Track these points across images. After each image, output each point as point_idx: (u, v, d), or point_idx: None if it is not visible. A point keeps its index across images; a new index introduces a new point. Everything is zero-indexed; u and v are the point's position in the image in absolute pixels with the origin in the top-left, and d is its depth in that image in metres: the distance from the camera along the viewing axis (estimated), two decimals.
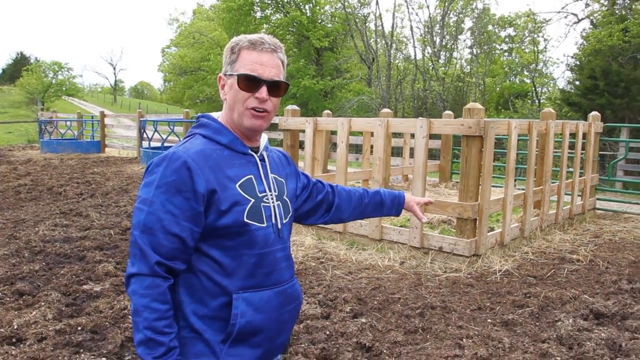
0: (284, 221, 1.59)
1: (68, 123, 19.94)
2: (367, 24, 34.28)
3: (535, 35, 29.39)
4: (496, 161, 11.82)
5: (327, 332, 3.72)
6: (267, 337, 1.51)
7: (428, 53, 33.70)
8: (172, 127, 14.10)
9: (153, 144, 14.11)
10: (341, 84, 32.70)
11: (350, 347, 3.51)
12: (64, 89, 43.05)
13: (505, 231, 5.82)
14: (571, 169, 7.71)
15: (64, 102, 46.03)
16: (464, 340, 3.63)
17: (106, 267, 5.01)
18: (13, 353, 3.31)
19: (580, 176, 7.68)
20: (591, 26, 22.54)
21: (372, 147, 7.12)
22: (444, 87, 31.56)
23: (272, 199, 1.55)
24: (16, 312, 3.93)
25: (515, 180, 9.21)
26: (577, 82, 18.97)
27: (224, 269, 1.46)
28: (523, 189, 6.51)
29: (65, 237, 6.14)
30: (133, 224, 1.43)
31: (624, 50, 17.17)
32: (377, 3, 35.75)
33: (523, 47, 31.42)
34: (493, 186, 8.41)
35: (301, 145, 7.32)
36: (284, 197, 1.62)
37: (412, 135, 9.57)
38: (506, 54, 34.72)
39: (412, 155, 8.50)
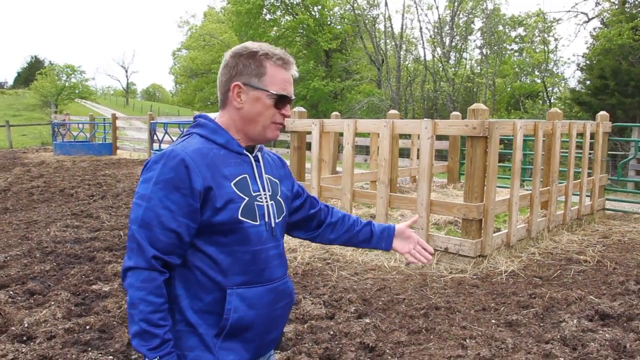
0: (277, 220, 1.63)
1: (80, 125, 20.16)
2: (376, 26, 34.30)
3: (546, 35, 29.23)
4: (506, 162, 11.78)
5: (331, 332, 3.76)
6: (258, 332, 1.56)
7: (438, 54, 33.63)
8: (182, 129, 14.24)
9: (163, 146, 14.24)
10: (351, 86, 32.72)
11: (353, 347, 3.54)
12: (77, 91, 43.42)
13: (511, 232, 5.81)
14: (579, 169, 7.68)
15: (77, 104, 46.48)
16: (467, 340, 3.65)
17: (115, 268, 5.09)
18: (23, 350, 3.39)
19: (589, 176, 7.64)
20: (601, 25, 22.37)
21: (379, 148, 7.14)
22: (453, 88, 31.47)
23: (265, 198, 1.59)
24: (27, 311, 4.02)
25: (523, 181, 9.20)
26: (588, 82, 18.84)
27: (219, 265, 1.51)
28: (530, 190, 6.50)
29: (75, 238, 6.24)
30: (131, 219, 1.48)
31: (634, 49, 17.03)
32: (386, 4, 35.66)
33: (533, 47, 31.25)
34: (501, 187, 8.40)
35: (308, 147, 7.36)
36: (278, 197, 1.66)
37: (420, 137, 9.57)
38: (517, 54, 34.56)
39: (419, 156, 8.50)
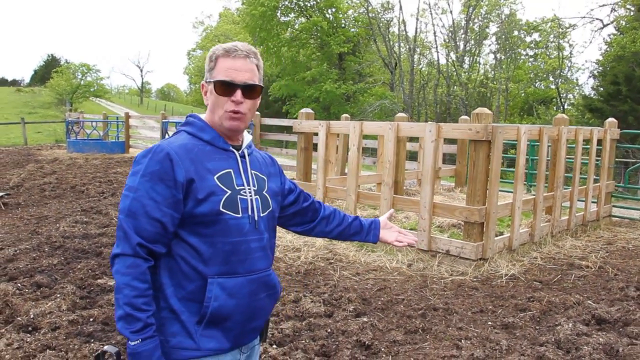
0: (262, 214, 1.70)
1: (94, 124, 20.42)
2: (390, 29, 34.29)
3: (561, 41, 29.06)
4: (513, 167, 11.75)
5: (329, 330, 3.82)
6: (238, 320, 1.63)
7: (451, 58, 33.55)
8: None
9: None
10: (363, 88, 32.71)
11: (349, 345, 3.60)
12: (92, 90, 43.91)
13: (513, 236, 5.84)
14: (585, 176, 7.67)
15: (92, 103, 47.02)
16: (462, 341, 3.70)
17: None
18: (28, 340, 3.50)
19: (595, 183, 7.63)
20: (616, 32, 22.21)
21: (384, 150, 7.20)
22: (467, 92, 31.37)
23: (250, 192, 1.67)
24: (33, 303, 4.13)
25: (530, 186, 9.20)
26: (601, 89, 18.72)
27: (201, 255, 1.58)
28: (535, 195, 6.51)
29: (84, 234, 6.36)
30: (119, 209, 1.57)
31: None
32: (400, 8, 35.68)
33: (548, 53, 31.08)
34: (509, 192, 8.40)
35: (316, 148, 7.44)
36: (264, 192, 1.73)
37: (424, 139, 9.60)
38: (531, 59, 34.37)
39: (423, 159, 8.54)
